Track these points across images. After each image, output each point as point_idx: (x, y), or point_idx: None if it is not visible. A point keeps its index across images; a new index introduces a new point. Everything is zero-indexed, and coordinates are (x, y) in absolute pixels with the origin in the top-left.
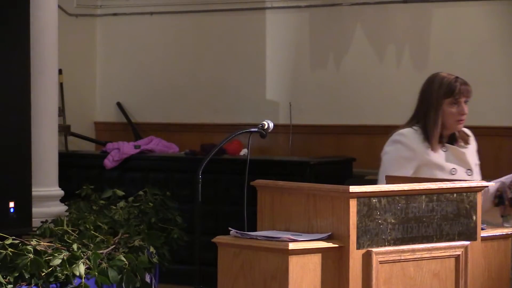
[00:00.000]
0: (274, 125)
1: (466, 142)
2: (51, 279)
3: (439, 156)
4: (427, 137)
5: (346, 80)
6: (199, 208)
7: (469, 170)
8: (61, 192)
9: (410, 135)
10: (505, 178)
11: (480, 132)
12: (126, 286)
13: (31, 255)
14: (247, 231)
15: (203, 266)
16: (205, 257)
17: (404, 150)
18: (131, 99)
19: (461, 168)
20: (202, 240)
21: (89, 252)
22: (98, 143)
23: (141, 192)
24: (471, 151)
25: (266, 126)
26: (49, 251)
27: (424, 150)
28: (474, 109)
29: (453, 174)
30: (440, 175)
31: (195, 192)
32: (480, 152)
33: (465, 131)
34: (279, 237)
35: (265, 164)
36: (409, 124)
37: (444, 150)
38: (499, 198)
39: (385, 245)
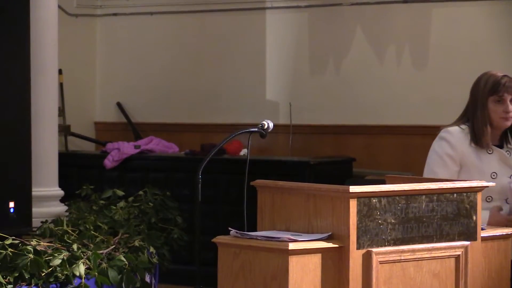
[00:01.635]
0: (274, 125)
1: None
2: (51, 279)
3: (481, 158)
4: (475, 137)
5: (346, 80)
6: (199, 208)
7: None
8: (61, 192)
9: (455, 134)
10: None
11: None
12: (126, 286)
13: (31, 255)
14: (247, 231)
15: (203, 266)
16: (205, 257)
17: (448, 148)
18: (131, 99)
19: (503, 173)
20: (202, 240)
21: (89, 252)
22: (98, 143)
23: (141, 192)
24: None
25: (266, 126)
26: (49, 251)
27: (467, 151)
28: None
29: (493, 178)
30: (478, 178)
31: (195, 192)
32: None
33: None
34: (279, 237)
35: (265, 164)
36: (457, 122)
37: (490, 152)
38: None
39: (385, 245)
